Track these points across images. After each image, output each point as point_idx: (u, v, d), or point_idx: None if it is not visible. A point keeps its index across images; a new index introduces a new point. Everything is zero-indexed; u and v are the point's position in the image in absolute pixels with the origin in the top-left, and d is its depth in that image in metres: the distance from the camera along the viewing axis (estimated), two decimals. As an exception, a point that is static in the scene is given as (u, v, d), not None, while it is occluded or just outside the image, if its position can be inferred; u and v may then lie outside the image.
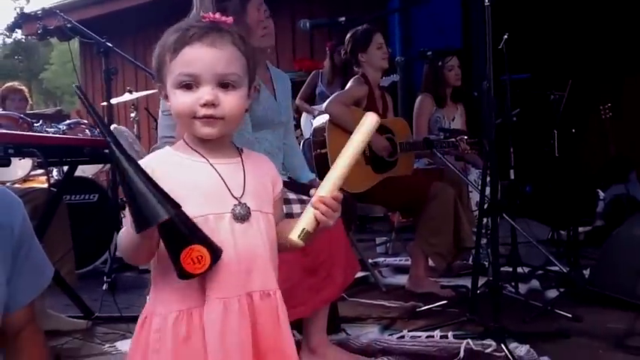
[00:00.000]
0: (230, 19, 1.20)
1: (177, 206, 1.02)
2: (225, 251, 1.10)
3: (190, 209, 1.07)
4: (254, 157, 1.26)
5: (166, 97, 1.21)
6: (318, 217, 1.14)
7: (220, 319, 1.11)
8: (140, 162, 1.09)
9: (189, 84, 1.14)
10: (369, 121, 1.19)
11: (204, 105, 1.13)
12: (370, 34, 3.34)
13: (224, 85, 1.14)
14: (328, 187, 1.15)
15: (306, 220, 1.15)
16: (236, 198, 1.17)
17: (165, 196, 1.01)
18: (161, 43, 1.20)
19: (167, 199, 1.01)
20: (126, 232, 1.11)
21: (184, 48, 1.14)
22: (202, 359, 1.11)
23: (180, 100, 1.15)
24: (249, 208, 1.17)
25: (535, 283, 3.29)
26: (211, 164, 1.17)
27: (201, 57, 1.13)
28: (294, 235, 1.14)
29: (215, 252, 1.07)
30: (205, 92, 1.13)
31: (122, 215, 4.52)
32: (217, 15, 1.19)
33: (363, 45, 3.34)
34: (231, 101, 1.15)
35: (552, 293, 3.07)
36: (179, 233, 1.05)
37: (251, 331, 1.14)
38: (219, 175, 1.17)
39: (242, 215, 1.16)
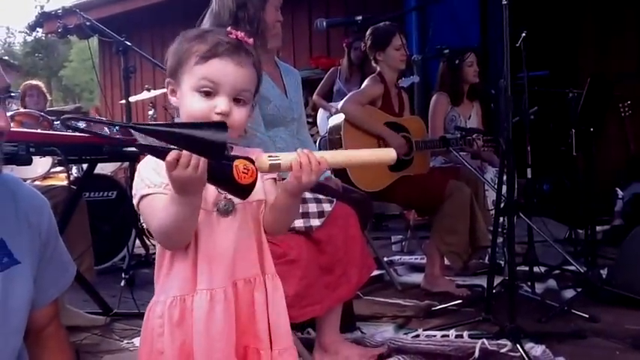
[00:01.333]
0: (251, 41, 1.29)
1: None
2: (213, 245, 1.23)
3: None
4: (242, 152, 1.28)
5: (173, 92, 1.30)
6: (295, 163, 1.18)
7: (206, 310, 1.21)
8: (146, 158, 1.25)
9: (209, 91, 1.23)
10: (389, 155, 1.32)
11: (219, 114, 1.22)
12: (390, 35, 3.31)
13: (237, 99, 1.25)
14: (326, 154, 1.22)
15: (285, 156, 1.19)
16: (221, 193, 1.24)
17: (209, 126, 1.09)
18: (186, 45, 1.27)
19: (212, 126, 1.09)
20: (173, 208, 1.14)
21: (214, 59, 1.24)
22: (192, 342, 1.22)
23: (197, 104, 1.23)
24: (233, 202, 1.25)
25: (552, 283, 3.27)
26: None
27: (228, 71, 1.23)
28: (266, 156, 1.17)
29: (250, 160, 1.14)
30: (222, 102, 1.23)
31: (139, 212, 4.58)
32: (241, 34, 1.28)
33: (382, 44, 3.33)
34: (240, 115, 1.25)
35: (569, 293, 3.05)
36: (220, 160, 1.11)
37: (236, 315, 1.24)
38: None
39: (227, 210, 1.25)
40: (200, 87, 1.23)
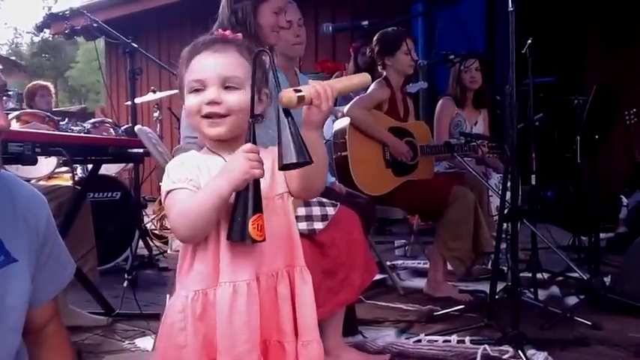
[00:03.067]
0: (239, 36, 1.34)
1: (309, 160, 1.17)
2: None
3: None
4: (268, 152, 1.31)
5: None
6: (314, 92, 1.23)
7: (229, 303, 1.22)
8: (173, 159, 1.31)
9: (199, 88, 1.28)
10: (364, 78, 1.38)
11: (209, 103, 1.26)
12: (400, 40, 3.31)
13: (227, 87, 1.27)
14: (326, 83, 1.26)
15: (305, 89, 1.24)
16: None
17: (304, 145, 1.17)
18: (180, 61, 1.34)
19: (304, 149, 1.17)
20: (207, 198, 1.20)
21: (195, 57, 1.30)
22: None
23: (190, 101, 1.30)
24: None
25: (555, 290, 3.25)
26: (226, 161, 1.27)
27: (207, 63, 1.28)
28: (291, 91, 1.21)
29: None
30: (210, 92, 1.27)
31: (143, 213, 4.59)
32: (228, 32, 1.34)
33: (392, 49, 3.32)
34: (233, 99, 1.27)
35: (572, 300, 3.04)
36: (258, 197, 1.20)
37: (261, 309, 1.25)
38: None
39: None
40: (190, 89, 1.29)
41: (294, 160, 1.16)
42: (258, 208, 1.20)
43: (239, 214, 1.19)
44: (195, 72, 1.28)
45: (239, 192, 1.19)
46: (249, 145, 1.20)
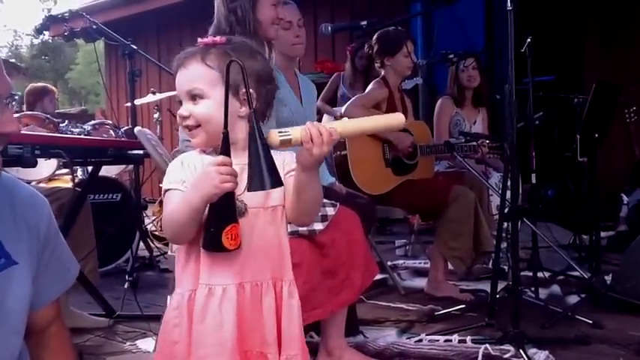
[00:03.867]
0: (221, 39, 1.33)
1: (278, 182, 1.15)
2: None
3: None
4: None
5: None
6: (305, 136, 1.19)
7: (203, 303, 1.26)
8: (175, 159, 1.33)
9: (179, 104, 1.33)
10: (397, 118, 1.31)
11: (181, 119, 1.32)
12: (401, 41, 3.31)
13: (193, 97, 1.31)
14: (335, 123, 1.24)
15: (295, 130, 1.19)
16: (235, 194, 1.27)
17: (274, 168, 1.14)
18: None
19: (274, 172, 1.14)
20: (183, 207, 1.23)
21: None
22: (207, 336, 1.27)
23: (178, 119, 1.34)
24: (246, 205, 1.28)
25: (555, 289, 3.26)
26: None
27: (178, 80, 1.33)
28: (276, 132, 1.19)
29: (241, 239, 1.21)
30: (182, 107, 1.32)
31: (144, 215, 4.59)
32: (209, 39, 1.34)
33: (393, 50, 3.32)
34: (199, 109, 1.30)
35: (573, 299, 3.04)
36: (232, 208, 1.19)
37: (240, 317, 1.26)
38: None
39: (239, 211, 1.26)
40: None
41: (255, 189, 1.15)
42: (231, 219, 1.21)
43: (212, 224, 1.20)
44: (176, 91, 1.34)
45: (212, 203, 1.19)
46: (220, 158, 1.18)
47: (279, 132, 1.18)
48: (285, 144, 1.18)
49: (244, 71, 1.19)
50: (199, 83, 1.29)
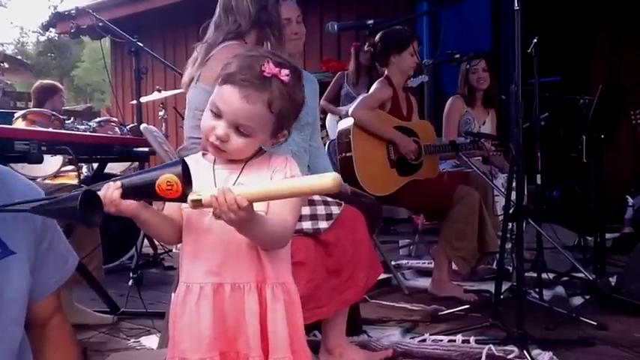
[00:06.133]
0: (287, 78, 1.28)
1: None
2: (197, 244, 1.30)
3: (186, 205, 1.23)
4: (258, 162, 1.35)
5: None
6: (213, 201, 1.15)
7: (180, 300, 1.31)
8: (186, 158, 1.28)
9: (216, 113, 1.29)
10: (323, 182, 1.13)
11: (216, 137, 1.28)
12: (409, 39, 3.31)
13: (238, 129, 1.28)
14: (244, 190, 1.15)
15: (207, 192, 1.17)
16: None
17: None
18: (227, 63, 1.32)
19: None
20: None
21: (227, 85, 1.28)
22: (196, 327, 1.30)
23: (206, 121, 1.32)
24: None
25: (560, 290, 3.25)
26: (213, 168, 1.34)
27: (232, 102, 1.27)
28: (191, 195, 1.17)
29: (188, 180, 1.18)
30: (221, 127, 1.28)
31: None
32: (276, 70, 1.27)
33: (400, 47, 3.31)
34: (238, 144, 1.29)
35: (577, 300, 3.03)
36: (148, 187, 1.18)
37: (219, 317, 1.28)
38: (214, 177, 1.33)
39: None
40: (212, 106, 1.30)
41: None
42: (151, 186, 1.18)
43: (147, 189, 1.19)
44: (219, 99, 1.29)
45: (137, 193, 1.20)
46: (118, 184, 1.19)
47: (195, 192, 1.17)
48: (197, 205, 1.17)
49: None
50: (254, 123, 1.28)
